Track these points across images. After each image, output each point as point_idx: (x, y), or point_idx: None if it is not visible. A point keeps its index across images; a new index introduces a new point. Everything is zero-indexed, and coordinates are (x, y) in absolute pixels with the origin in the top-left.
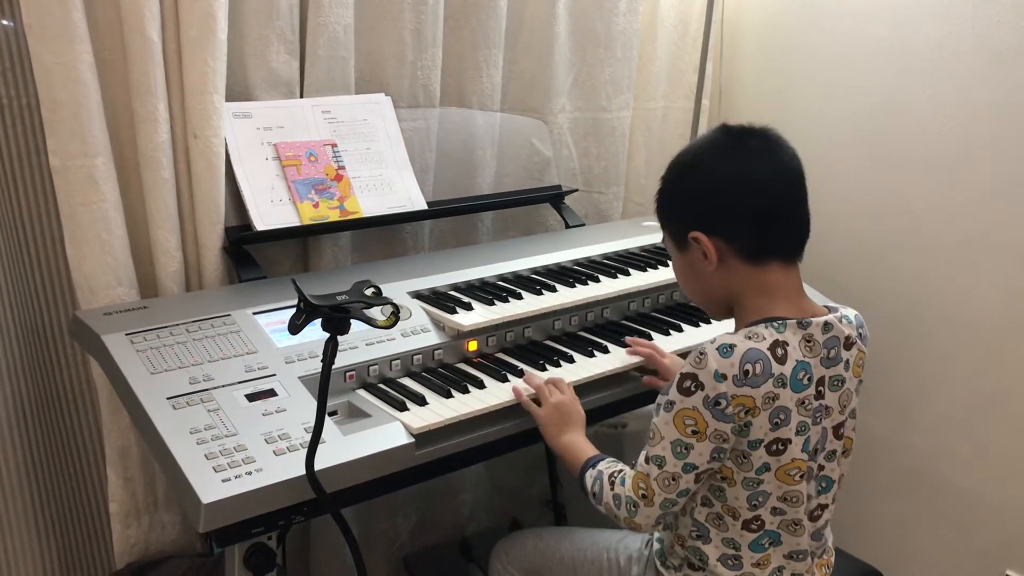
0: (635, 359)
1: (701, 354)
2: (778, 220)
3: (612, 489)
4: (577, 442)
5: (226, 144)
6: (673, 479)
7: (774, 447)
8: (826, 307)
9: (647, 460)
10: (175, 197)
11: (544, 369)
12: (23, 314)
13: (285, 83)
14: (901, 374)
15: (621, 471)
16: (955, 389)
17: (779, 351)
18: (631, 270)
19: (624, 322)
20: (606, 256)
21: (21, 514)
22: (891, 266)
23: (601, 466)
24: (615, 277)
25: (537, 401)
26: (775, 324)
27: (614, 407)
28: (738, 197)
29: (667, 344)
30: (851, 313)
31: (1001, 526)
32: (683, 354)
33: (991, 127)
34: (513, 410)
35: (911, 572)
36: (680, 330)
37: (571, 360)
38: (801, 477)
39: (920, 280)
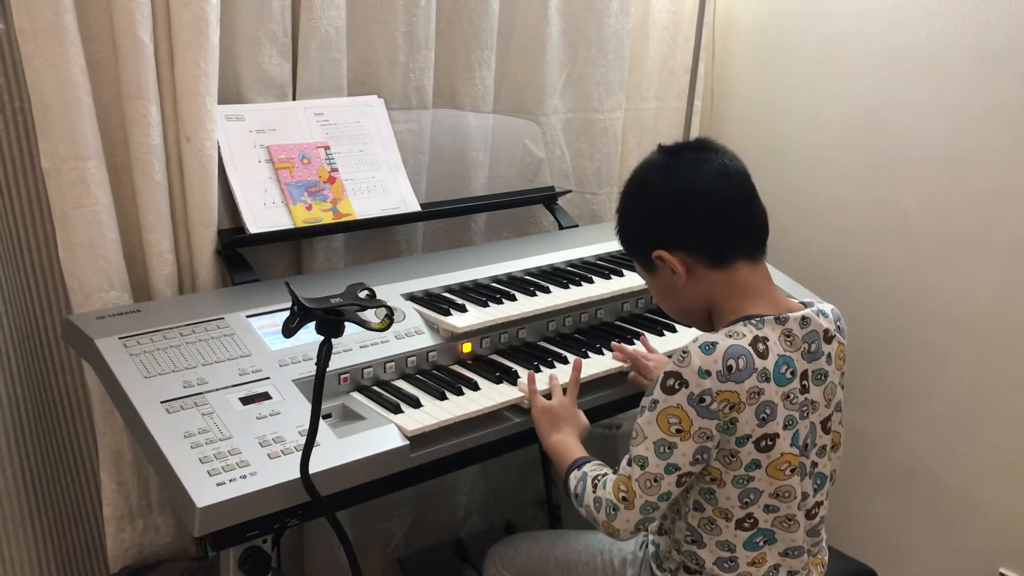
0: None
1: (684, 352)
2: (731, 222)
3: (594, 492)
4: (566, 442)
5: (219, 147)
6: (655, 480)
7: (763, 443)
8: (802, 303)
9: (629, 462)
10: (168, 200)
11: (538, 370)
12: (16, 318)
13: (277, 85)
14: (894, 372)
15: (605, 474)
16: (948, 387)
17: (760, 346)
18: (624, 271)
19: (618, 323)
20: (599, 257)
21: (16, 518)
22: (883, 265)
23: (587, 468)
24: (608, 278)
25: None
26: (753, 321)
27: (608, 408)
28: (687, 208)
29: (660, 344)
30: (827, 307)
31: (994, 524)
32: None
33: (982, 127)
34: (507, 412)
35: (904, 570)
36: (674, 330)
37: (565, 361)
38: (792, 472)
39: (912, 279)
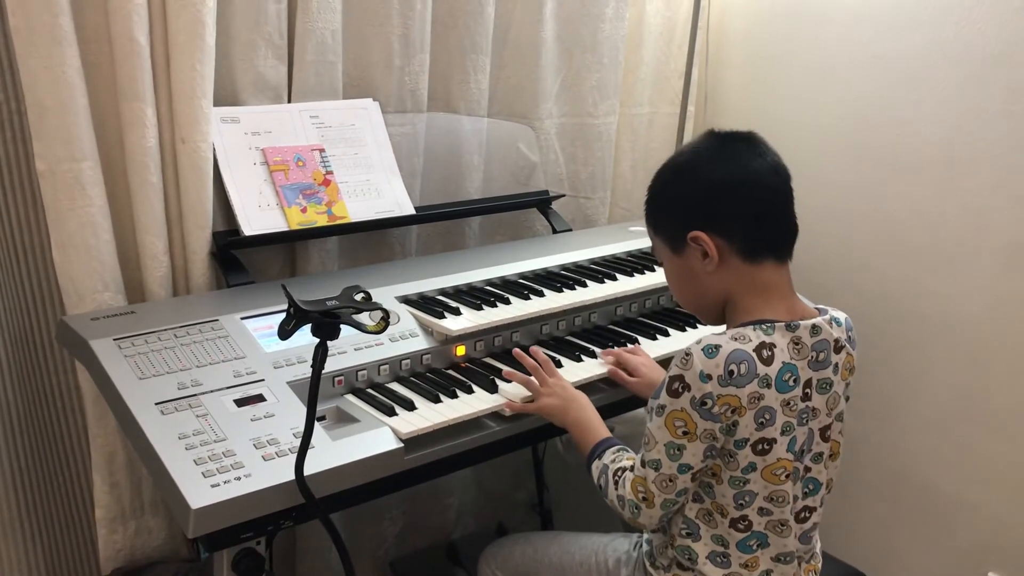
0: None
1: (687, 355)
2: (774, 217)
3: (616, 489)
4: (583, 419)
5: (214, 149)
6: (670, 480)
7: (759, 447)
8: (816, 309)
9: (643, 464)
10: (162, 202)
11: (530, 374)
12: (10, 319)
13: (273, 88)
14: (884, 377)
15: (624, 470)
16: (938, 392)
17: (765, 353)
18: (618, 275)
19: (611, 327)
20: (593, 261)
21: (8, 520)
22: (874, 270)
23: (606, 458)
24: (602, 282)
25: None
26: (763, 327)
27: (603, 411)
28: (737, 195)
29: (654, 348)
30: (841, 316)
31: (984, 528)
32: (669, 359)
33: (972, 133)
34: (501, 414)
35: (894, 574)
36: (667, 334)
37: (559, 365)
38: (787, 477)
39: (903, 284)
